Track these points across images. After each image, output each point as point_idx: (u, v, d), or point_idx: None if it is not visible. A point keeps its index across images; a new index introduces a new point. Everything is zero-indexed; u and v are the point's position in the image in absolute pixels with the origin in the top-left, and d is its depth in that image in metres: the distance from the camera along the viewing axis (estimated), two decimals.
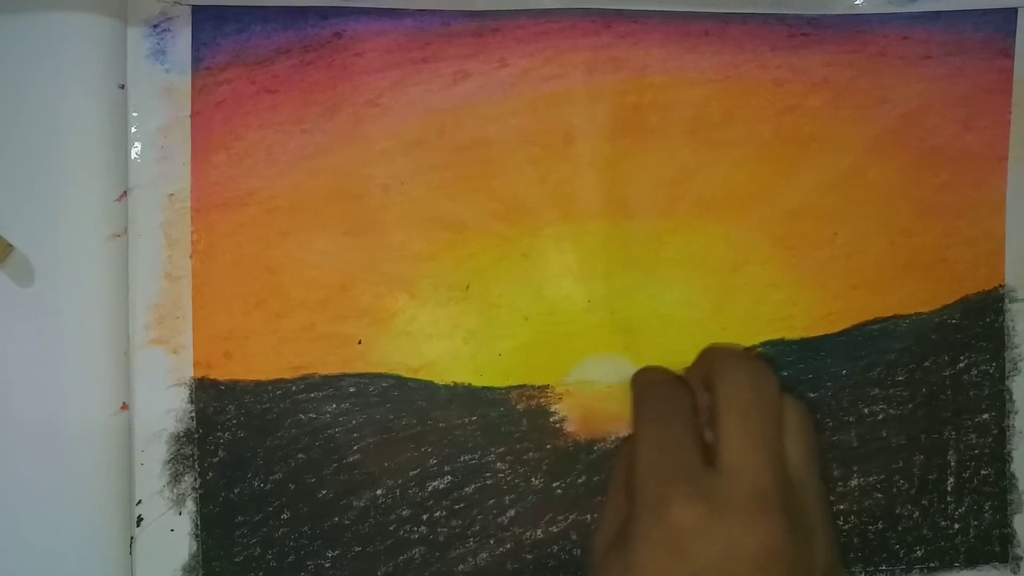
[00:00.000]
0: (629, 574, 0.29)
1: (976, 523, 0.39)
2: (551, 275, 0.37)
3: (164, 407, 0.36)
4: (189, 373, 0.36)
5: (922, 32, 0.38)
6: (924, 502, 0.39)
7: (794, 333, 0.38)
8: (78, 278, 0.34)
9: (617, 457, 0.35)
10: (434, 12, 0.36)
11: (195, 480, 0.36)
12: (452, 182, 0.37)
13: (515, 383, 0.37)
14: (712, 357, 0.34)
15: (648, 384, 0.35)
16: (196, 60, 0.35)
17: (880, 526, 0.39)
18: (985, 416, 0.39)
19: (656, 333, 0.38)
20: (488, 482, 0.37)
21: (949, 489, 0.39)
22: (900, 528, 0.39)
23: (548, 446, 0.37)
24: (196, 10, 0.35)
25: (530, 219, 0.37)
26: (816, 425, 0.33)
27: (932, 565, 0.39)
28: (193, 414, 0.36)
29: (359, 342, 0.37)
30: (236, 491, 0.36)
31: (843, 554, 0.33)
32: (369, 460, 0.37)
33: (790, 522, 0.29)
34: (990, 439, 0.39)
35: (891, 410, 0.39)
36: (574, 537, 0.38)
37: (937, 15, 0.38)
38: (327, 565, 0.37)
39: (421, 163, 0.36)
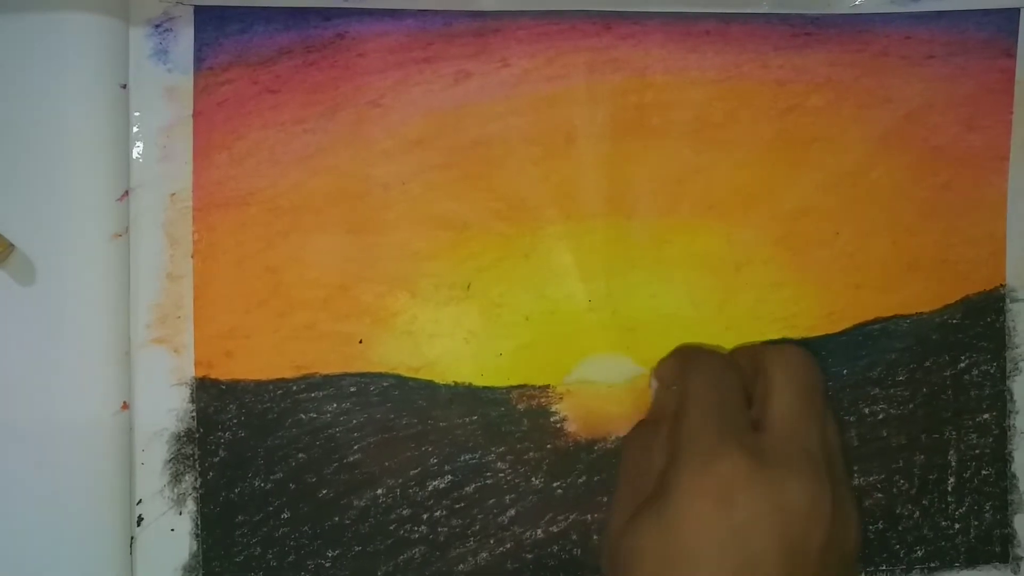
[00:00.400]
0: (668, 526, 0.29)
1: (977, 523, 0.39)
2: (552, 275, 0.37)
3: (165, 406, 0.36)
4: (190, 372, 0.36)
5: (925, 32, 0.38)
6: (924, 502, 0.39)
7: (796, 332, 0.38)
8: (79, 277, 0.34)
9: (627, 445, 0.35)
10: (436, 12, 0.36)
11: (196, 480, 0.36)
12: (453, 182, 0.37)
13: (516, 383, 0.37)
14: (763, 349, 0.34)
15: (699, 351, 0.35)
16: (198, 60, 0.35)
17: (880, 526, 0.39)
18: (986, 416, 0.39)
19: (658, 333, 0.38)
20: (488, 482, 0.37)
21: (950, 489, 0.39)
22: (900, 528, 0.39)
23: (549, 446, 0.37)
24: (198, 10, 0.35)
25: (531, 219, 0.37)
26: (807, 363, 0.33)
27: (932, 565, 0.39)
28: (194, 413, 0.36)
29: (360, 341, 0.37)
30: (237, 491, 0.36)
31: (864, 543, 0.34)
32: (370, 460, 0.37)
33: (832, 486, 0.30)
34: (991, 439, 0.39)
35: (892, 410, 0.39)
36: (574, 537, 0.38)
37: (940, 15, 0.38)
38: (327, 565, 0.37)
39: (422, 163, 0.36)
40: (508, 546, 0.37)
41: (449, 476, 0.37)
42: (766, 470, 0.29)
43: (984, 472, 0.39)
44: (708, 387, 0.32)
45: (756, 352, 0.34)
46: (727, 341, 0.38)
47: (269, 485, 0.36)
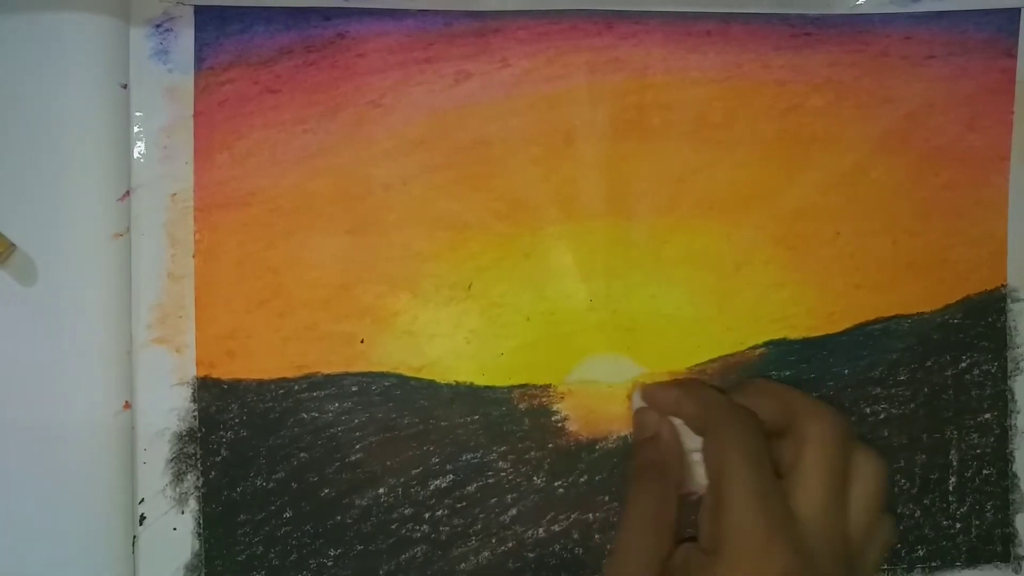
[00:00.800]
0: None
1: (978, 523, 0.39)
2: (553, 275, 0.37)
3: (167, 406, 0.36)
4: (192, 372, 0.36)
5: (925, 32, 0.38)
6: (926, 501, 0.39)
7: (796, 333, 0.38)
8: (81, 277, 0.34)
9: (635, 494, 0.34)
10: (436, 12, 0.36)
11: (198, 479, 0.36)
12: (454, 182, 0.37)
13: (517, 382, 0.37)
14: (797, 406, 0.33)
15: (734, 413, 0.34)
16: (199, 60, 0.35)
17: None
18: (987, 416, 0.39)
19: (658, 333, 0.38)
20: (490, 481, 0.37)
21: (951, 489, 0.39)
22: (902, 527, 0.39)
23: (550, 445, 0.37)
24: (199, 10, 0.35)
25: (532, 219, 0.37)
26: (887, 480, 0.33)
27: (934, 564, 0.39)
28: (196, 413, 0.36)
29: (361, 341, 0.37)
30: (238, 490, 0.36)
31: None
32: (371, 459, 0.37)
33: (797, 559, 0.30)
34: (992, 439, 0.39)
35: (893, 410, 0.39)
36: (576, 536, 0.38)
37: (940, 15, 0.38)
38: (329, 564, 0.37)
39: (423, 163, 0.36)
40: (510, 545, 0.37)
41: (451, 475, 0.37)
42: (811, 569, 0.30)
43: (985, 471, 0.39)
44: (750, 469, 0.31)
45: (789, 405, 0.34)
46: (727, 341, 0.38)
47: (271, 484, 0.36)
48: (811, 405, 0.34)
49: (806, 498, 0.31)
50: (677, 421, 0.35)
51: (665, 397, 0.36)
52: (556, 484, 0.38)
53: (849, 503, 0.32)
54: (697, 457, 0.35)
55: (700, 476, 0.34)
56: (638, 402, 0.37)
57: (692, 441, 0.35)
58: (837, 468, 0.32)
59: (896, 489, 0.39)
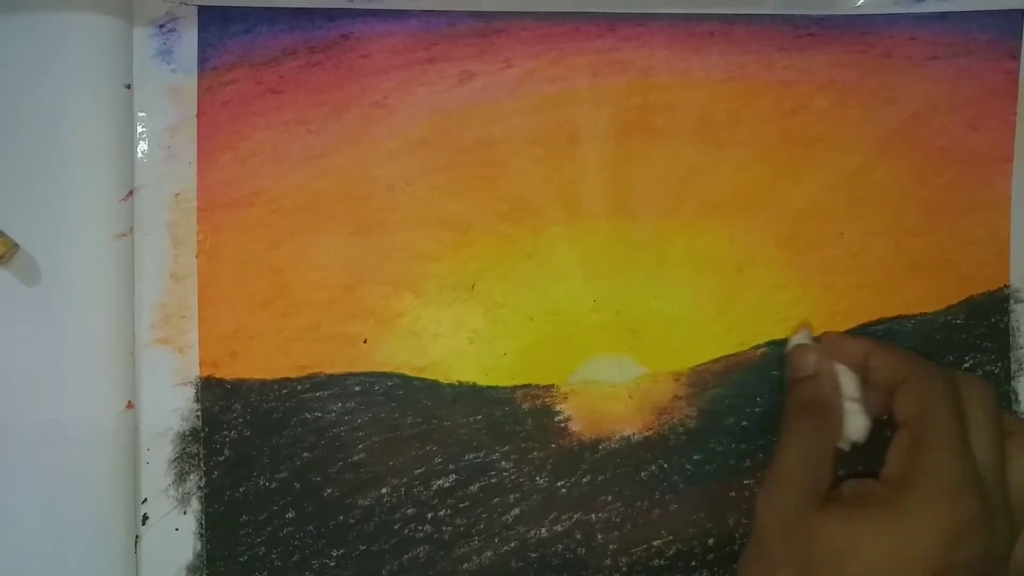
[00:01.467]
0: (898, 552, 0.30)
1: None
2: (556, 275, 0.37)
3: (170, 406, 0.36)
4: (195, 372, 0.36)
5: (928, 33, 0.38)
6: None
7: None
8: (84, 277, 0.34)
9: (802, 417, 0.35)
10: (440, 13, 0.36)
11: (200, 479, 0.36)
12: (457, 182, 0.37)
13: (520, 382, 0.37)
14: (958, 377, 0.34)
15: (934, 366, 0.34)
16: (202, 60, 0.35)
17: None
18: None
19: (661, 333, 0.38)
20: (493, 481, 0.37)
21: None
22: None
23: (553, 445, 0.37)
24: (202, 11, 0.35)
25: (535, 219, 0.37)
26: (997, 400, 0.34)
27: None
28: (199, 413, 0.36)
29: (364, 341, 0.37)
30: (241, 490, 0.36)
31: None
32: (374, 459, 0.37)
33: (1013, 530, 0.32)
34: None
35: None
36: (578, 536, 0.38)
37: (943, 16, 0.38)
38: (332, 564, 0.37)
39: (426, 163, 0.36)
40: (512, 545, 0.37)
41: (453, 475, 0.37)
42: (991, 520, 0.31)
43: None
44: (954, 418, 0.32)
45: (899, 371, 0.34)
46: (730, 341, 0.38)
47: (274, 484, 0.36)
48: (971, 378, 0.34)
49: (979, 454, 0.32)
50: (840, 367, 0.35)
51: (854, 347, 0.36)
52: (559, 484, 0.38)
53: (1011, 465, 0.33)
54: (854, 407, 0.35)
55: (856, 427, 0.35)
56: (800, 339, 0.37)
57: (852, 389, 0.35)
58: (998, 427, 0.33)
59: None
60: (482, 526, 0.37)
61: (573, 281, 0.37)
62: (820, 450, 0.34)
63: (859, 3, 0.37)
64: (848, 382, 0.35)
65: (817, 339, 0.37)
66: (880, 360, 0.35)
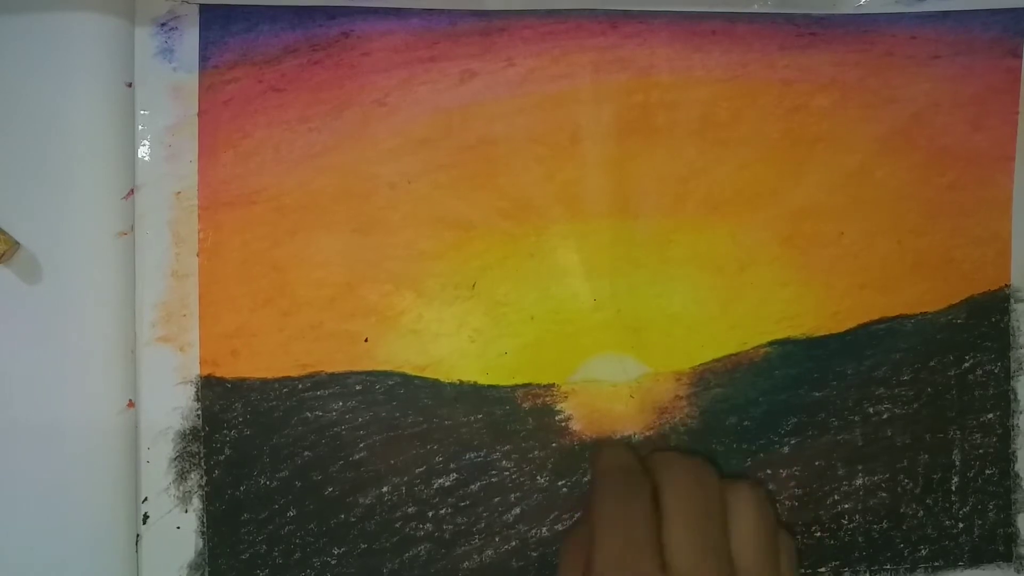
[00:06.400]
0: None
1: (980, 522, 0.39)
2: (557, 274, 0.37)
3: (171, 405, 0.36)
4: (196, 371, 0.36)
5: (930, 32, 0.38)
6: (928, 501, 0.39)
7: (800, 332, 0.38)
8: (85, 275, 0.34)
9: (566, 543, 0.34)
10: (441, 12, 0.36)
11: (201, 478, 0.36)
12: (459, 181, 0.37)
13: (521, 381, 0.37)
14: (655, 461, 0.33)
15: (609, 474, 0.34)
16: (204, 59, 0.36)
17: (885, 525, 0.39)
18: (990, 416, 0.39)
19: (662, 332, 0.38)
20: (494, 480, 0.37)
21: (953, 488, 0.39)
22: (905, 527, 0.39)
23: (554, 444, 0.37)
24: (204, 9, 0.35)
25: (537, 218, 0.37)
26: (770, 504, 0.33)
27: (936, 564, 0.39)
28: (199, 412, 0.36)
29: (366, 340, 0.37)
30: (242, 489, 0.36)
31: None
32: (375, 458, 0.37)
33: None
34: (995, 439, 0.39)
35: (896, 409, 0.39)
36: None
37: (945, 15, 0.38)
38: (333, 562, 0.37)
39: (428, 162, 0.36)
40: (513, 544, 0.37)
41: (454, 474, 0.37)
42: None
43: (988, 471, 0.39)
44: (615, 524, 0.31)
45: (652, 461, 0.34)
46: (732, 341, 0.38)
47: (275, 483, 0.36)
48: (667, 456, 0.34)
49: (673, 547, 0.30)
50: None
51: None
52: (560, 483, 0.38)
53: (731, 541, 0.31)
54: None
55: None
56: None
57: None
58: (699, 511, 0.31)
59: (899, 489, 0.39)
60: (483, 525, 0.37)
61: (574, 280, 0.37)
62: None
63: (861, 2, 0.37)
64: None
65: None
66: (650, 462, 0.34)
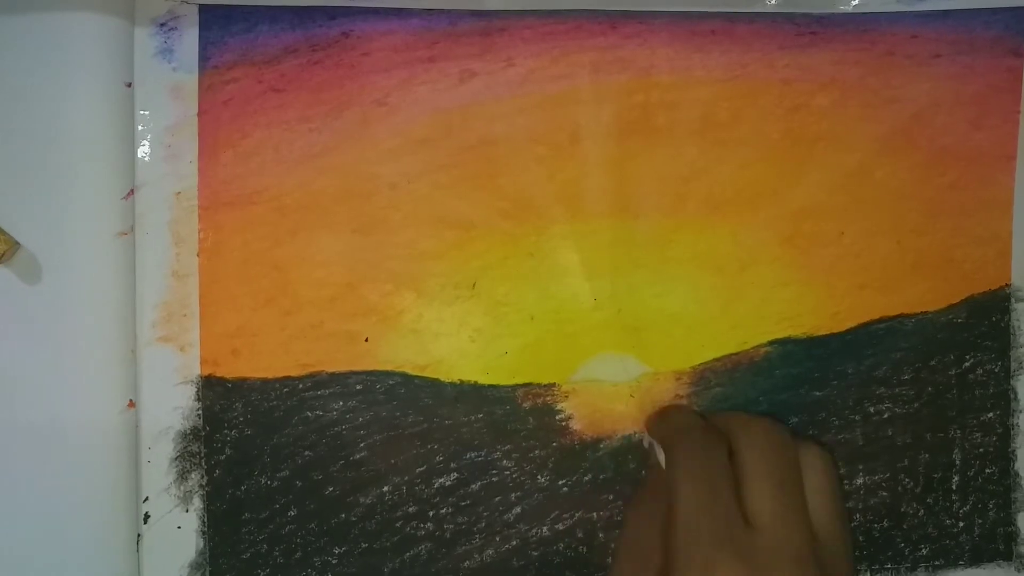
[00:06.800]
0: None
1: (980, 521, 0.39)
2: (558, 274, 0.37)
3: (171, 405, 0.36)
4: (196, 371, 0.36)
5: (931, 31, 0.38)
6: (929, 500, 0.39)
7: (801, 332, 0.38)
8: (85, 276, 0.35)
9: (628, 517, 0.34)
10: (441, 12, 0.36)
11: (202, 477, 0.36)
12: (459, 181, 0.37)
13: (521, 381, 0.37)
14: (730, 422, 0.34)
15: (686, 432, 0.34)
16: (203, 59, 0.35)
17: (885, 524, 0.39)
18: (990, 415, 0.39)
19: (663, 332, 0.38)
20: (494, 479, 0.37)
21: (954, 487, 0.39)
22: (905, 526, 0.39)
23: (554, 444, 0.37)
24: (203, 9, 0.35)
25: (537, 218, 0.37)
26: (838, 472, 0.33)
27: (937, 563, 0.39)
28: (200, 412, 0.36)
29: (366, 340, 0.37)
30: (243, 488, 0.36)
31: None
32: (376, 457, 0.37)
33: (822, 573, 0.30)
34: (995, 438, 0.39)
35: (897, 409, 0.39)
36: (580, 535, 0.38)
37: (946, 14, 0.38)
38: (334, 562, 0.37)
39: (428, 162, 0.36)
40: (514, 543, 0.37)
41: (455, 474, 0.37)
42: None
43: (988, 470, 0.39)
44: (698, 477, 0.31)
45: (726, 427, 0.34)
46: (732, 340, 0.38)
47: (275, 483, 0.36)
48: (742, 416, 0.34)
49: (756, 506, 0.31)
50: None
51: (648, 423, 0.36)
52: (560, 483, 0.38)
53: (807, 502, 0.32)
54: None
55: None
56: (649, 441, 0.37)
57: None
58: (781, 470, 0.32)
59: (900, 488, 0.39)
60: (483, 524, 0.37)
61: (575, 280, 0.37)
62: (645, 537, 0.33)
63: (861, 1, 0.37)
64: None
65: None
66: (655, 433, 0.35)
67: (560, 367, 0.37)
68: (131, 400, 0.35)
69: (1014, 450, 0.39)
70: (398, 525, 0.37)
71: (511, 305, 0.37)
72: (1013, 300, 0.39)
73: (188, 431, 0.36)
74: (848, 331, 0.38)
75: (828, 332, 0.38)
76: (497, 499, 0.37)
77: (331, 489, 0.37)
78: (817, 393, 0.38)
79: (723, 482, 0.31)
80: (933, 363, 0.39)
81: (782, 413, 0.38)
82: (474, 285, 0.37)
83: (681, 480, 0.31)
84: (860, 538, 0.38)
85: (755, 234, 0.38)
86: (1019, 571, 0.39)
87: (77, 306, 0.34)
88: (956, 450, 0.39)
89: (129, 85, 0.35)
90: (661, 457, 0.34)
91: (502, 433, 0.37)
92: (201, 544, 0.36)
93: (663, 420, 0.36)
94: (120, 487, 0.35)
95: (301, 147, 0.36)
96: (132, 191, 0.35)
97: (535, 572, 0.37)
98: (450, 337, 0.37)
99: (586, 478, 0.38)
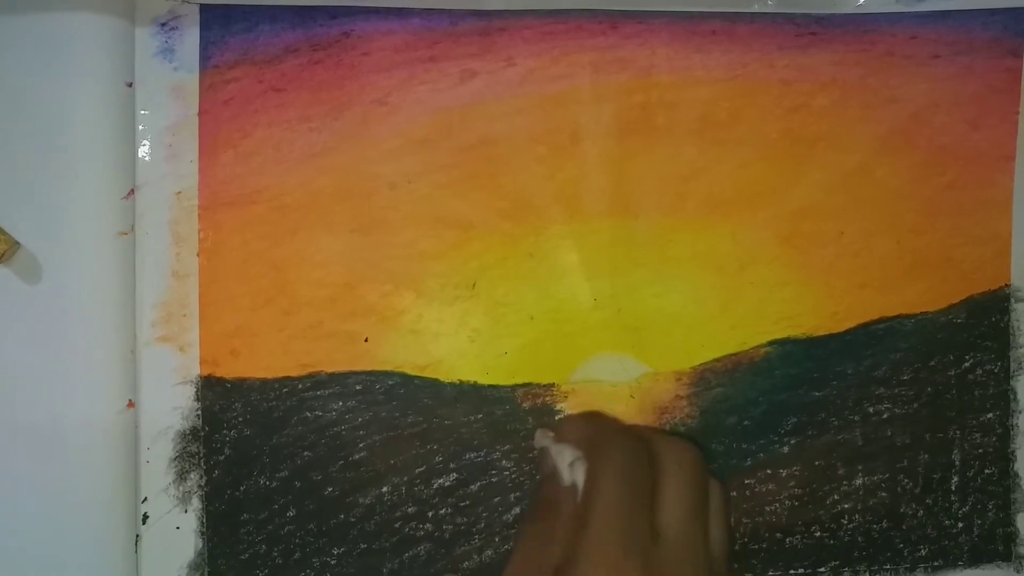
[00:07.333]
0: None
1: (980, 522, 0.39)
2: (557, 274, 0.37)
3: (170, 405, 0.36)
4: (196, 371, 0.36)
5: (930, 31, 0.38)
6: (928, 501, 0.39)
7: (800, 332, 0.38)
8: (85, 275, 0.34)
9: (525, 525, 0.34)
10: (441, 12, 0.36)
11: (201, 478, 0.36)
12: (459, 181, 0.37)
13: (521, 381, 0.37)
14: (654, 437, 0.34)
15: (617, 436, 0.34)
16: (204, 58, 0.36)
17: (884, 525, 0.39)
18: (989, 415, 0.39)
19: (662, 332, 0.38)
20: (493, 480, 0.37)
21: (953, 488, 0.39)
22: (904, 527, 0.39)
23: None
24: (204, 9, 0.35)
25: (536, 218, 0.37)
26: (698, 461, 0.34)
27: (936, 564, 0.39)
28: (199, 412, 0.36)
29: (366, 340, 0.37)
30: (242, 489, 0.36)
31: None
32: (375, 457, 0.37)
33: None
34: (994, 438, 0.39)
35: (896, 409, 0.39)
36: None
37: (945, 15, 0.38)
38: (333, 562, 0.37)
39: (428, 162, 0.36)
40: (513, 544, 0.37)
41: (454, 474, 0.37)
42: None
43: (987, 471, 0.39)
44: (620, 485, 0.31)
45: (650, 437, 0.34)
46: (732, 340, 0.38)
47: (274, 483, 0.36)
48: (664, 433, 0.36)
49: (668, 519, 0.31)
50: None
51: (560, 427, 0.36)
52: None
53: (708, 524, 0.33)
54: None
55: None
56: (540, 440, 0.36)
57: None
58: (696, 489, 0.32)
59: (899, 489, 0.39)
60: (483, 525, 0.37)
61: (574, 280, 0.37)
62: (541, 553, 0.32)
63: (861, 2, 0.37)
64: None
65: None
66: (573, 435, 0.34)
67: (559, 367, 0.37)
68: (130, 400, 0.35)
69: (1013, 450, 0.39)
70: (397, 525, 0.37)
71: (510, 305, 0.37)
72: (1012, 300, 0.39)
73: (187, 431, 0.36)
74: (847, 331, 0.38)
75: (827, 332, 0.38)
76: (496, 499, 0.37)
77: (330, 489, 0.37)
78: (816, 393, 0.38)
79: (643, 491, 0.32)
80: (932, 363, 0.39)
81: (781, 413, 0.38)
82: (474, 285, 0.37)
83: (606, 481, 0.31)
84: (859, 539, 0.38)
85: (755, 234, 0.38)
86: (1018, 572, 0.39)
87: (77, 306, 0.34)
88: (955, 450, 0.39)
89: (130, 85, 0.35)
90: (565, 462, 0.33)
91: (501, 433, 0.37)
92: (200, 544, 0.36)
93: (592, 422, 0.36)
94: (119, 487, 0.35)
95: (301, 147, 0.36)
96: (132, 191, 0.35)
97: None
98: (449, 337, 0.37)
99: None
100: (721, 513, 0.34)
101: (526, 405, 0.37)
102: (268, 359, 0.36)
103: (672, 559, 0.31)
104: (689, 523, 0.32)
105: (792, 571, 0.38)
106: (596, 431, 0.34)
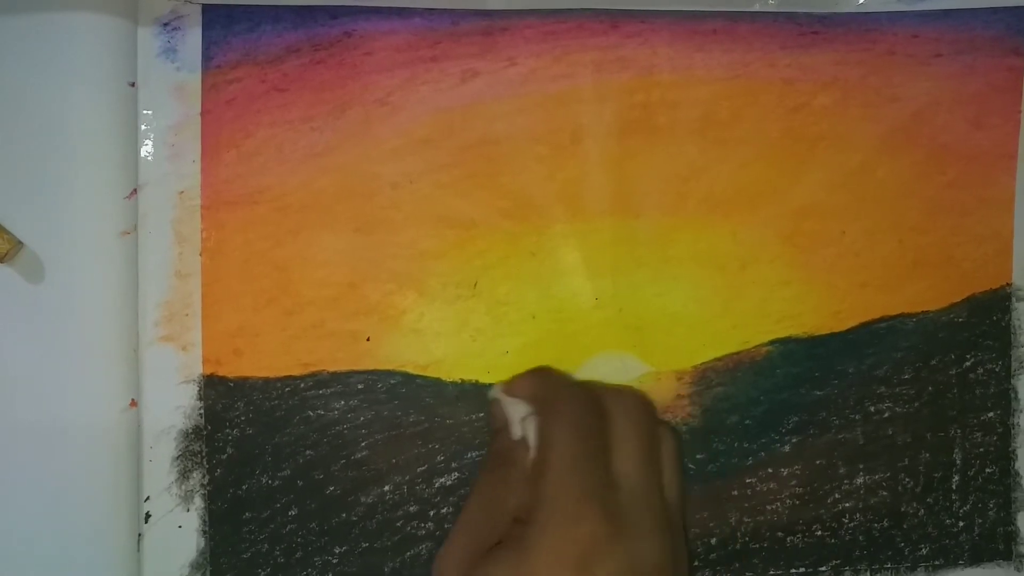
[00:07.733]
0: None
1: (981, 521, 0.39)
2: (559, 273, 0.37)
3: (173, 404, 0.36)
4: (198, 370, 0.36)
5: (932, 30, 0.38)
6: (929, 500, 0.39)
7: (802, 331, 0.38)
8: (88, 275, 0.35)
9: (482, 475, 0.34)
10: (443, 11, 0.36)
11: (203, 477, 0.36)
12: (461, 180, 0.37)
13: None
14: (605, 390, 0.34)
15: (569, 389, 0.34)
16: (206, 58, 0.36)
17: (885, 524, 0.39)
18: (991, 414, 0.39)
19: (664, 331, 0.38)
20: None
21: (954, 487, 0.39)
22: (905, 526, 0.39)
23: None
24: (206, 9, 0.35)
25: (538, 217, 0.37)
26: (682, 449, 0.35)
27: (937, 563, 0.39)
28: (202, 411, 0.36)
29: (368, 339, 0.37)
30: (244, 488, 0.36)
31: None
32: (377, 457, 0.37)
33: (671, 536, 0.32)
34: (995, 437, 0.39)
35: (897, 408, 0.39)
36: None
37: (947, 13, 0.38)
38: (335, 561, 0.37)
39: (430, 161, 0.36)
40: None
41: (456, 473, 0.37)
42: (623, 535, 0.30)
43: (988, 470, 0.39)
44: (573, 436, 0.32)
45: (602, 391, 0.34)
46: (733, 339, 0.38)
47: (277, 482, 0.36)
48: (614, 387, 0.36)
49: (624, 467, 0.32)
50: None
51: (512, 383, 0.36)
52: None
53: (662, 470, 0.33)
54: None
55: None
56: (494, 393, 0.36)
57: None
58: (648, 439, 0.33)
59: (900, 488, 0.39)
60: None
61: (576, 279, 0.37)
62: (496, 501, 0.33)
63: (862, 1, 0.37)
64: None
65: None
66: (525, 390, 0.35)
67: (561, 366, 0.37)
68: (133, 399, 0.35)
69: (1014, 449, 0.39)
70: (399, 524, 0.37)
71: (512, 304, 0.37)
72: (1014, 299, 0.39)
73: (190, 430, 0.36)
74: (849, 330, 0.38)
75: (829, 331, 0.38)
76: None
77: (332, 488, 0.37)
78: (818, 392, 0.38)
79: (598, 441, 0.32)
80: (934, 362, 0.39)
81: (783, 412, 0.38)
82: (475, 284, 0.37)
83: (561, 432, 0.32)
84: (860, 537, 0.39)
85: (756, 233, 0.38)
86: (1019, 571, 0.39)
87: (80, 305, 0.34)
88: (956, 449, 0.39)
89: (132, 85, 0.35)
90: (517, 416, 0.34)
91: None
92: (202, 543, 0.36)
93: (542, 378, 0.36)
94: (121, 486, 0.35)
95: (303, 146, 0.36)
96: (135, 190, 0.35)
97: None
98: (451, 336, 0.37)
99: None
100: (673, 458, 0.34)
101: None
102: (270, 358, 0.36)
103: (630, 505, 0.31)
104: (643, 469, 0.32)
105: (793, 570, 0.38)
106: (547, 387, 0.35)
